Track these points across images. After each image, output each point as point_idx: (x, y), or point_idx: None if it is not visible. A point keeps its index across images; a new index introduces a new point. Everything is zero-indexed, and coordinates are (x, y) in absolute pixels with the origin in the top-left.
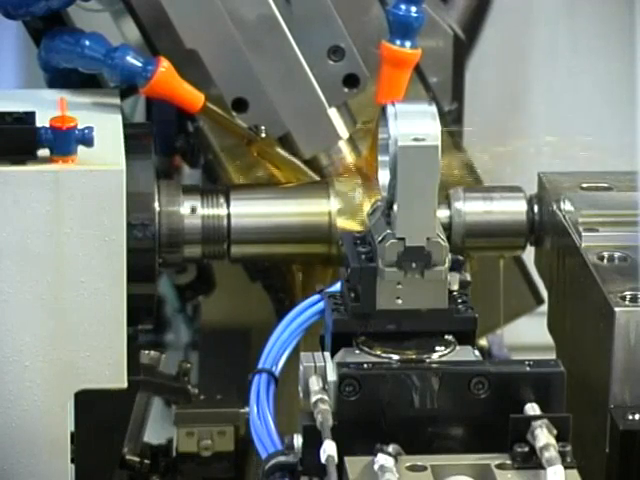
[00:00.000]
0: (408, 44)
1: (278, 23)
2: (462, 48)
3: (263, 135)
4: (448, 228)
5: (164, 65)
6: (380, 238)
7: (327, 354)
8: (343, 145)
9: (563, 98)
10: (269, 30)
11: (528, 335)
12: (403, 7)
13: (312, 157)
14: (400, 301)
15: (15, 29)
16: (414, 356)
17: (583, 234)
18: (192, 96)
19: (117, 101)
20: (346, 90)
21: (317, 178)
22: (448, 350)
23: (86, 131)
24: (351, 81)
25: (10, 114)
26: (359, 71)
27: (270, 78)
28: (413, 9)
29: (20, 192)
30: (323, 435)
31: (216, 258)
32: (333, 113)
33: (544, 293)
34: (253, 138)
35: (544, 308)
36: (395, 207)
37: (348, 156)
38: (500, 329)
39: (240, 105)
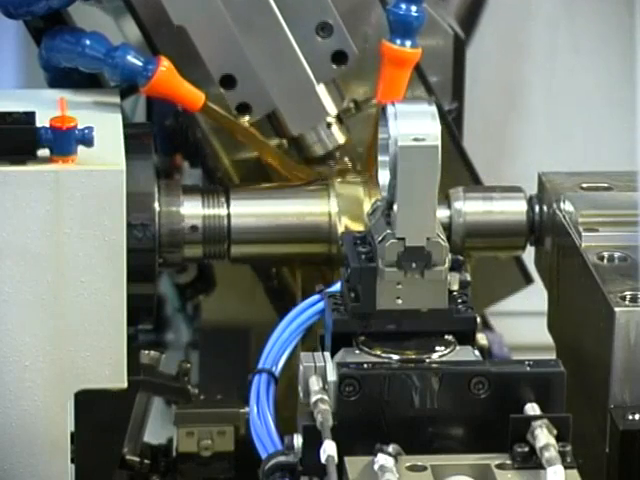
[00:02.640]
0: (408, 43)
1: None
2: (462, 47)
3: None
4: (448, 228)
5: (164, 64)
6: (380, 238)
7: (327, 354)
8: (333, 124)
9: (563, 98)
10: (257, 6)
11: (528, 335)
12: (403, 6)
13: (300, 135)
14: (400, 301)
15: (15, 29)
16: (414, 356)
17: (583, 234)
18: (193, 95)
19: (117, 101)
20: (334, 67)
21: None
22: (448, 350)
23: (86, 131)
24: (340, 58)
25: (10, 114)
26: (348, 48)
27: (258, 54)
28: (413, 8)
29: (20, 192)
30: (323, 435)
31: (216, 258)
32: (321, 90)
33: (544, 294)
34: (252, 140)
35: (544, 308)
36: (395, 207)
37: (337, 134)
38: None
39: (228, 82)
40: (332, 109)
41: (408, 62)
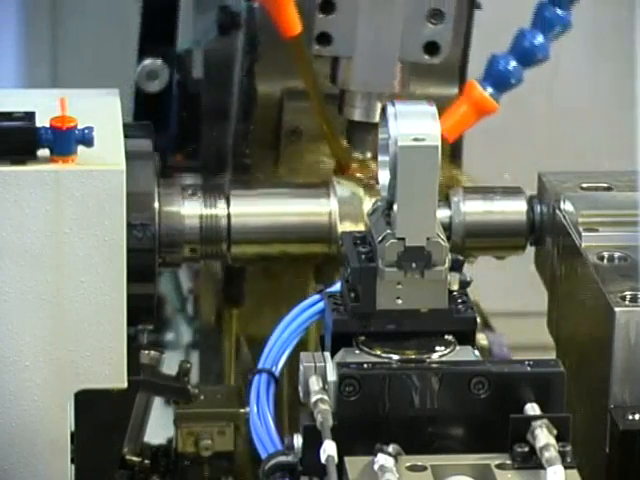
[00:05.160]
0: (494, 95)
1: None
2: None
3: None
4: (448, 228)
5: None
6: (380, 238)
7: (327, 354)
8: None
9: (563, 98)
10: None
11: (528, 335)
12: (507, 62)
13: (351, 92)
14: (400, 301)
15: (15, 29)
16: (414, 356)
17: (583, 234)
18: (294, 21)
19: (117, 101)
20: (425, 55)
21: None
22: (448, 350)
23: (86, 131)
24: (432, 49)
25: (10, 114)
26: (444, 43)
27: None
28: (512, 64)
29: (20, 192)
30: (323, 435)
31: (216, 258)
32: (397, 65)
33: (544, 294)
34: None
35: (544, 308)
36: (395, 207)
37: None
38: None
39: (327, 6)
40: (397, 88)
41: (485, 111)
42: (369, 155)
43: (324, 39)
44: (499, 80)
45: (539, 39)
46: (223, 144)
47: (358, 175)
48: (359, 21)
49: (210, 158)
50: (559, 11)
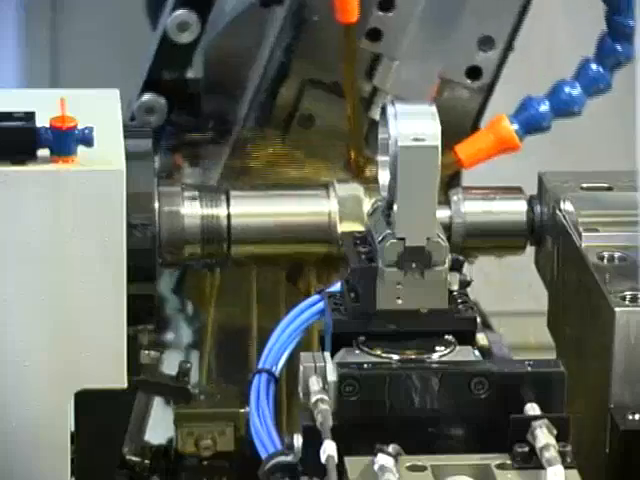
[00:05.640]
0: (519, 134)
1: None
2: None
3: None
4: (448, 228)
5: None
6: (380, 238)
7: (327, 354)
8: None
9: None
10: None
11: (528, 335)
12: (540, 106)
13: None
14: (400, 301)
15: (15, 29)
16: (414, 356)
17: (583, 234)
18: (354, 7)
19: (117, 101)
20: (467, 79)
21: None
22: (448, 350)
23: (86, 131)
24: (474, 73)
25: (10, 114)
26: (488, 72)
27: (425, 10)
28: (545, 108)
29: (20, 192)
30: (323, 435)
31: (216, 258)
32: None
33: (544, 294)
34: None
35: (544, 308)
36: (395, 207)
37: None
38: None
39: (387, 3)
40: (429, 100)
41: (507, 146)
42: None
43: (375, 35)
44: (528, 121)
45: (577, 91)
46: (233, 111)
47: (368, 176)
48: (412, 27)
49: (216, 123)
50: (602, 70)
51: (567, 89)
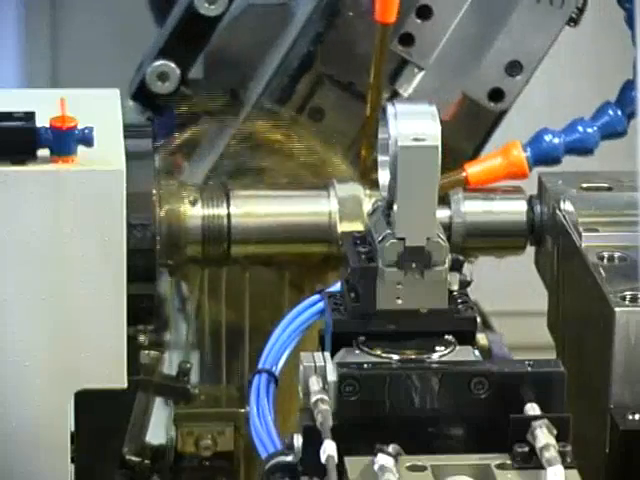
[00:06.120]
0: (530, 162)
1: None
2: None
3: None
4: (448, 228)
5: None
6: (380, 238)
7: (327, 354)
8: None
9: (563, 98)
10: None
11: (528, 335)
12: (555, 139)
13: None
14: (400, 301)
15: (15, 29)
16: (414, 356)
17: (583, 234)
18: (393, 9)
19: (117, 101)
20: (490, 102)
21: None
22: (448, 350)
23: (86, 131)
24: (496, 96)
25: (10, 114)
26: (510, 94)
27: (461, 25)
28: (557, 141)
29: (20, 192)
30: (323, 435)
31: (216, 258)
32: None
33: (544, 294)
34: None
35: (544, 308)
36: (395, 207)
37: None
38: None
39: (424, 12)
40: (448, 113)
41: (515, 171)
42: None
43: (407, 40)
44: (540, 152)
45: (592, 131)
46: (244, 91)
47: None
48: (445, 40)
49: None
50: (620, 113)
51: (583, 128)
